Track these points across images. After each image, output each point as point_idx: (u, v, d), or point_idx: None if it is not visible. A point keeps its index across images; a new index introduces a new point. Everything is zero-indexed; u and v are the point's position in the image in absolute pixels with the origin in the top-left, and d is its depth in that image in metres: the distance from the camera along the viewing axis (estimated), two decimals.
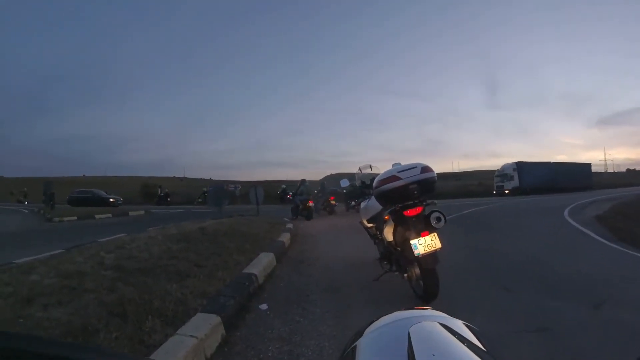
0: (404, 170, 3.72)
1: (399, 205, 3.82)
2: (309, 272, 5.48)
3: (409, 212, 3.72)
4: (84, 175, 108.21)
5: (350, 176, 6.63)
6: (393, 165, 4.01)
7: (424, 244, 3.53)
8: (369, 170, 5.78)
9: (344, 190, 16.75)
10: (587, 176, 41.87)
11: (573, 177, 38.76)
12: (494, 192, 38.33)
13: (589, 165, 43.88)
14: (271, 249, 6.37)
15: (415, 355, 0.55)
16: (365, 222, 5.30)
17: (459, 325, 0.70)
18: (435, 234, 3.63)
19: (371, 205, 4.99)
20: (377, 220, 4.82)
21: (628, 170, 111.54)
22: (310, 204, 14.89)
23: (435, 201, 4.06)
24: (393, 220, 4.03)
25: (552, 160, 42.31)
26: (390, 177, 3.72)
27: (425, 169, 3.73)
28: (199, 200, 36.18)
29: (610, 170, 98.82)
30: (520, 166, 36.75)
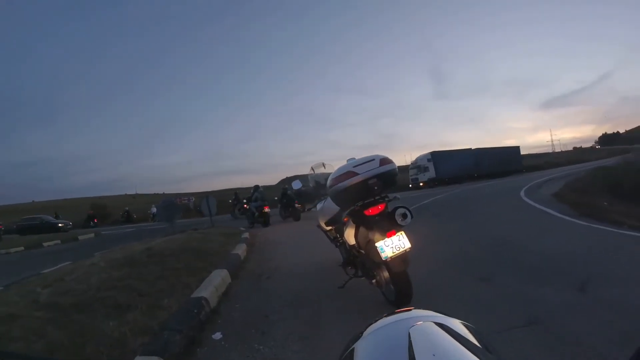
0: (360, 164, 3.27)
1: (359, 204, 3.38)
2: (268, 286, 4.98)
3: (370, 211, 3.30)
4: (32, 201, 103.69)
5: (305, 177, 6.11)
6: (348, 161, 3.53)
7: (391, 245, 3.10)
8: (322, 169, 5.26)
9: (281, 198, 15.93)
10: (515, 160, 42.05)
11: (499, 162, 38.70)
12: (410, 185, 37.35)
13: (517, 148, 44.26)
14: (225, 265, 5.83)
15: (416, 356, 0.55)
16: (323, 224, 4.86)
17: (458, 325, 0.69)
18: (403, 232, 3.20)
19: (327, 206, 4.56)
20: (336, 222, 4.41)
21: (575, 148, 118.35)
22: (266, 209, 14.37)
23: (398, 195, 3.65)
24: (353, 222, 3.59)
25: (505, 145, 43.06)
26: (346, 174, 3.27)
27: (385, 160, 3.31)
28: (122, 219, 36.95)
29: (557, 150, 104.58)
30: (436, 156, 36.16)
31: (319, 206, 5.03)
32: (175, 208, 13.31)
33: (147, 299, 4.08)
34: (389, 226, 3.17)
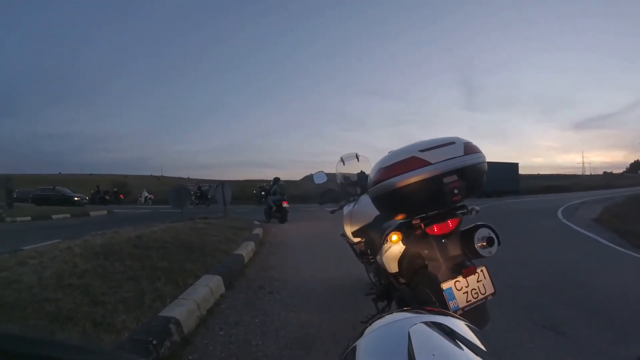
0: (432, 149, 1.87)
1: (419, 217, 2.03)
2: (268, 307, 3.80)
3: (435, 229, 1.99)
4: (59, 172, 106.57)
5: (331, 176, 4.71)
6: (389, 153, 2.08)
7: (467, 289, 1.87)
8: (354, 161, 4.02)
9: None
10: (511, 179, 35.37)
11: (489, 180, 32.54)
12: None
13: (514, 165, 37.49)
14: (221, 268, 4.70)
15: (416, 355, 0.52)
16: (349, 234, 3.65)
17: (460, 325, 0.65)
18: (485, 268, 1.96)
19: (359, 210, 3.36)
20: (368, 234, 3.23)
21: (605, 173, 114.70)
22: (285, 204, 13.28)
23: (478, 208, 2.13)
24: (404, 241, 2.13)
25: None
26: (408, 161, 1.86)
27: (470, 147, 1.93)
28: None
29: (587, 173, 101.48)
30: None
31: (346, 209, 3.78)
32: (187, 194, 12.36)
33: (99, 311, 2.97)
34: (463, 257, 1.97)
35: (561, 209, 15.85)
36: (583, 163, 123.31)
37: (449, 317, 0.68)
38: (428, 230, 1.98)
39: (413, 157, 1.85)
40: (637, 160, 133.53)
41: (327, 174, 4.46)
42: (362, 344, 0.64)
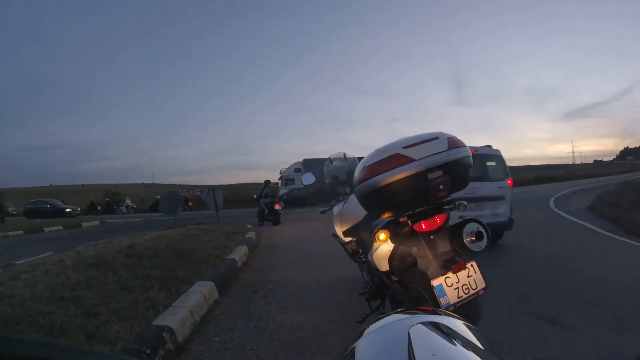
0: (415, 145, 1.87)
1: (406, 214, 2.00)
2: (263, 311, 3.78)
3: (423, 225, 1.96)
4: (50, 184, 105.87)
5: (318, 167, 4.65)
6: (375, 151, 2.08)
7: (457, 285, 1.86)
8: (342, 161, 3.99)
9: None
10: None
11: None
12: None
13: None
14: (215, 274, 4.67)
15: (416, 356, 0.52)
16: (340, 234, 3.65)
17: (459, 325, 0.66)
18: (474, 263, 1.95)
19: (349, 210, 3.37)
20: (359, 233, 3.23)
21: (595, 161, 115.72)
22: (277, 207, 13.27)
23: (465, 202, 2.12)
24: (392, 239, 2.13)
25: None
26: (392, 159, 1.86)
27: (454, 141, 1.93)
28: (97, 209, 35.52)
29: (578, 162, 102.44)
30: (308, 165, 26.67)
31: (335, 209, 3.78)
32: (178, 200, 12.25)
33: (92, 323, 2.95)
34: (453, 253, 1.96)
35: (553, 199, 15.93)
36: (573, 152, 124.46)
37: (448, 317, 0.69)
38: (416, 227, 1.97)
39: (396, 154, 1.86)
40: (627, 147, 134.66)
41: (316, 175, 4.46)
42: (361, 346, 0.64)
